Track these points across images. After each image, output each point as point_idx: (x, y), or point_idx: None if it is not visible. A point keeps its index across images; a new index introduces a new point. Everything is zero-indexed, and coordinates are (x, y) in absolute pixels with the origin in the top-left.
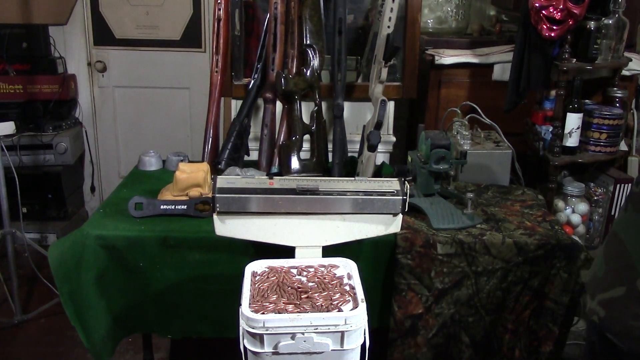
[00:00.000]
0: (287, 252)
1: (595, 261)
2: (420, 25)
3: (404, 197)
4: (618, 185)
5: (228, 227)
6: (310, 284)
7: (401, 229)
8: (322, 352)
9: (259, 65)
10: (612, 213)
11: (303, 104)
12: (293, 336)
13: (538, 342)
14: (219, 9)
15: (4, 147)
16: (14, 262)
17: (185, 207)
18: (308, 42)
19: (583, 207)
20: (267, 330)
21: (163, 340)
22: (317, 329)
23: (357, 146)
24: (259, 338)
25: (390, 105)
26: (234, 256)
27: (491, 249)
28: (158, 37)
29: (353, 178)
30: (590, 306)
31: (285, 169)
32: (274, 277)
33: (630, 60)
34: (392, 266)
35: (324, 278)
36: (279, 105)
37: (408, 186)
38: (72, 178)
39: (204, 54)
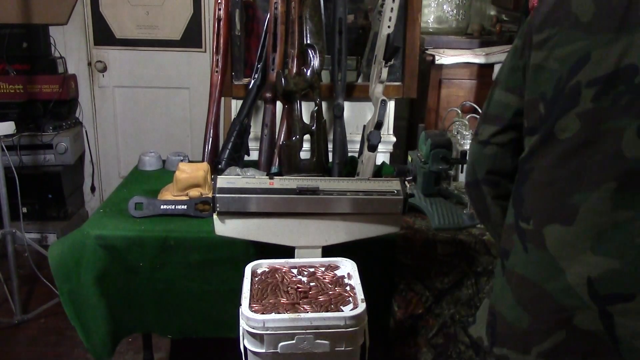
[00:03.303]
0: (287, 252)
1: (484, 317)
2: (420, 25)
3: (404, 197)
4: None
5: (228, 227)
6: (310, 284)
7: (401, 229)
8: (322, 352)
9: (259, 65)
10: None
11: (303, 104)
12: (293, 336)
13: None
14: (219, 9)
15: (4, 147)
16: (14, 262)
17: (185, 207)
18: (308, 42)
19: None
20: (267, 330)
21: (163, 340)
22: (317, 329)
23: (357, 146)
24: (259, 338)
25: (391, 105)
26: (234, 256)
27: (491, 249)
28: (158, 37)
29: (353, 178)
30: None
31: (285, 169)
32: (274, 277)
33: None
34: (392, 266)
35: (324, 278)
36: (279, 105)
37: (408, 186)
38: (72, 178)
39: (204, 54)
